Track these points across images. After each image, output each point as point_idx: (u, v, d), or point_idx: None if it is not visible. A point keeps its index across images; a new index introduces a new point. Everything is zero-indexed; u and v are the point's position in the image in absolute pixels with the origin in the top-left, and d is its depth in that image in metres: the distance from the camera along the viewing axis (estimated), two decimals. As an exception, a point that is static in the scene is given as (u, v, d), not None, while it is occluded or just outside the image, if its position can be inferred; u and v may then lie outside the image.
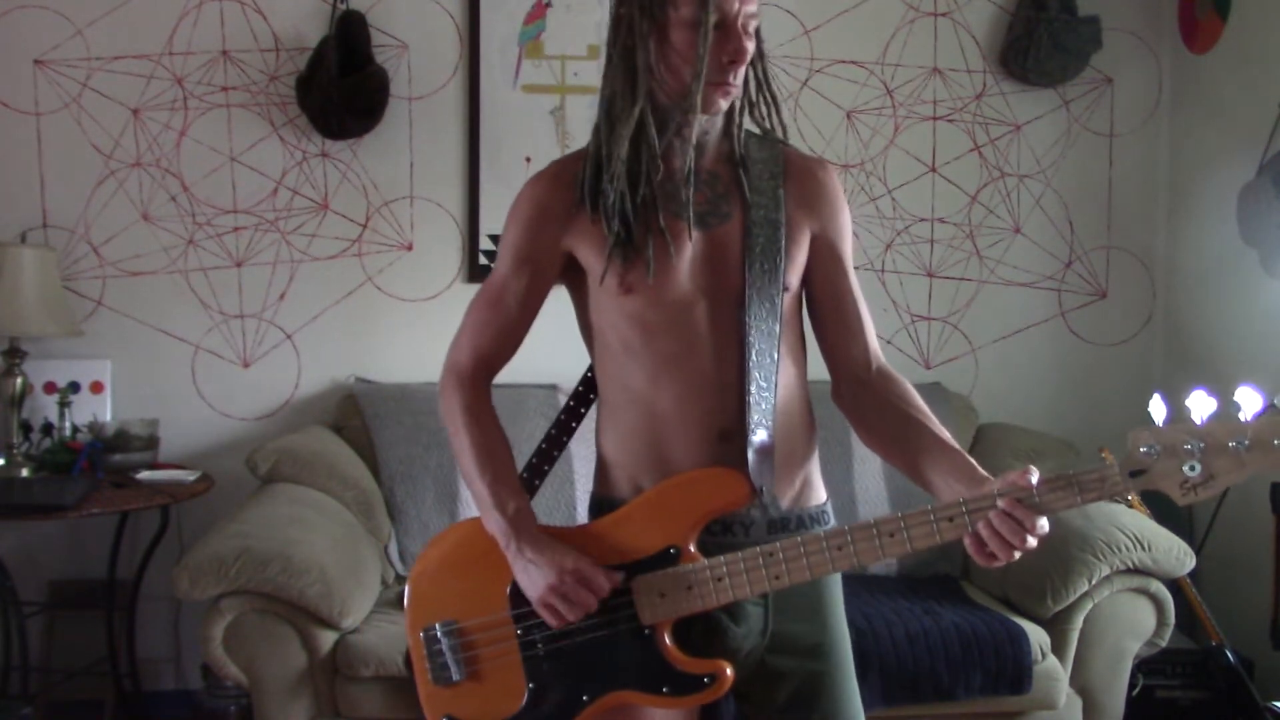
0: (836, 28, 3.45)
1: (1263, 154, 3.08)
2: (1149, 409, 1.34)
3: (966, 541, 1.39)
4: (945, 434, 1.53)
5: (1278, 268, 3.05)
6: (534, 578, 1.51)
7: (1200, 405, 1.31)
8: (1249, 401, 1.30)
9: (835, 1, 3.45)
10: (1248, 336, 3.21)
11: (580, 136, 3.32)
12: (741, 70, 1.50)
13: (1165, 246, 3.62)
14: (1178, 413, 1.32)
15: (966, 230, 3.57)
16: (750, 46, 1.50)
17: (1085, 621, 2.69)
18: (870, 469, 3.13)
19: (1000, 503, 1.36)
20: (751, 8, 1.48)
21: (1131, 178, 3.62)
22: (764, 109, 1.58)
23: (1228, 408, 1.31)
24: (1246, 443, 1.29)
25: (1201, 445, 1.31)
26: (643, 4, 1.48)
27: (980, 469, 1.45)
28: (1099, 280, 3.63)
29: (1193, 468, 1.31)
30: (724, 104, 1.52)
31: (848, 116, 3.49)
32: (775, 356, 1.53)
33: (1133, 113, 3.60)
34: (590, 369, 1.68)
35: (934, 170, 3.55)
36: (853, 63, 3.49)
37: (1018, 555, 1.37)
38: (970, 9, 3.52)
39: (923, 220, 3.55)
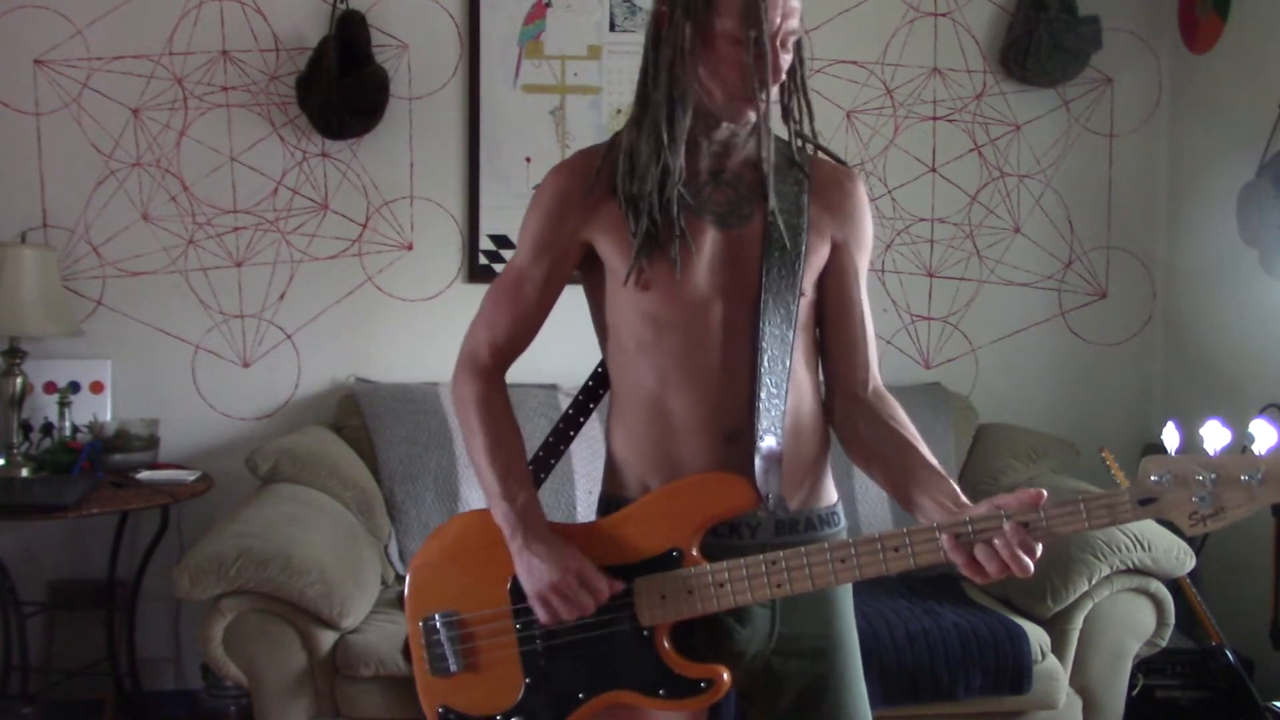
0: (836, 27, 3.45)
1: (1263, 154, 3.08)
2: (1162, 437, 1.32)
3: (957, 557, 1.37)
4: (933, 459, 1.52)
5: (1278, 268, 3.04)
6: (537, 572, 1.50)
7: (1214, 436, 1.29)
8: (1264, 435, 1.28)
9: (835, 1, 3.45)
10: (1248, 336, 3.21)
11: (580, 136, 3.34)
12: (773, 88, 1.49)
13: (1165, 246, 3.62)
14: (1191, 442, 1.30)
15: (966, 230, 3.57)
16: (787, 60, 1.50)
17: (1085, 621, 2.69)
18: (870, 469, 3.13)
19: (1006, 525, 1.34)
20: (793, 23, 1.47)
21: (1131, 178, 3.61)
22: (798, 114, 1.57)
23: (1242, 439, 1.29)
24: (1260, 476, 1.27)
25: (1214, 477, 1.28)
26: (687, 7, 1.47)
27: (964, 497, 1.44)
28: (1099, 280, 3.63)
29: (1203, 499, 1.29)
30: (752, 116, 1.50)
31: (848, 116, 3.49)
32: (788, 362, 1.52)
33: (1133, 113, 3.60)
34: (601, 365, 1.68)
35: (934, 170, 3.55)
36: (853, 63, 3.49)
37: (1004, 576, 1.36)
38: (970, 9, 3.51)
39: (923, 220, 3.55)
